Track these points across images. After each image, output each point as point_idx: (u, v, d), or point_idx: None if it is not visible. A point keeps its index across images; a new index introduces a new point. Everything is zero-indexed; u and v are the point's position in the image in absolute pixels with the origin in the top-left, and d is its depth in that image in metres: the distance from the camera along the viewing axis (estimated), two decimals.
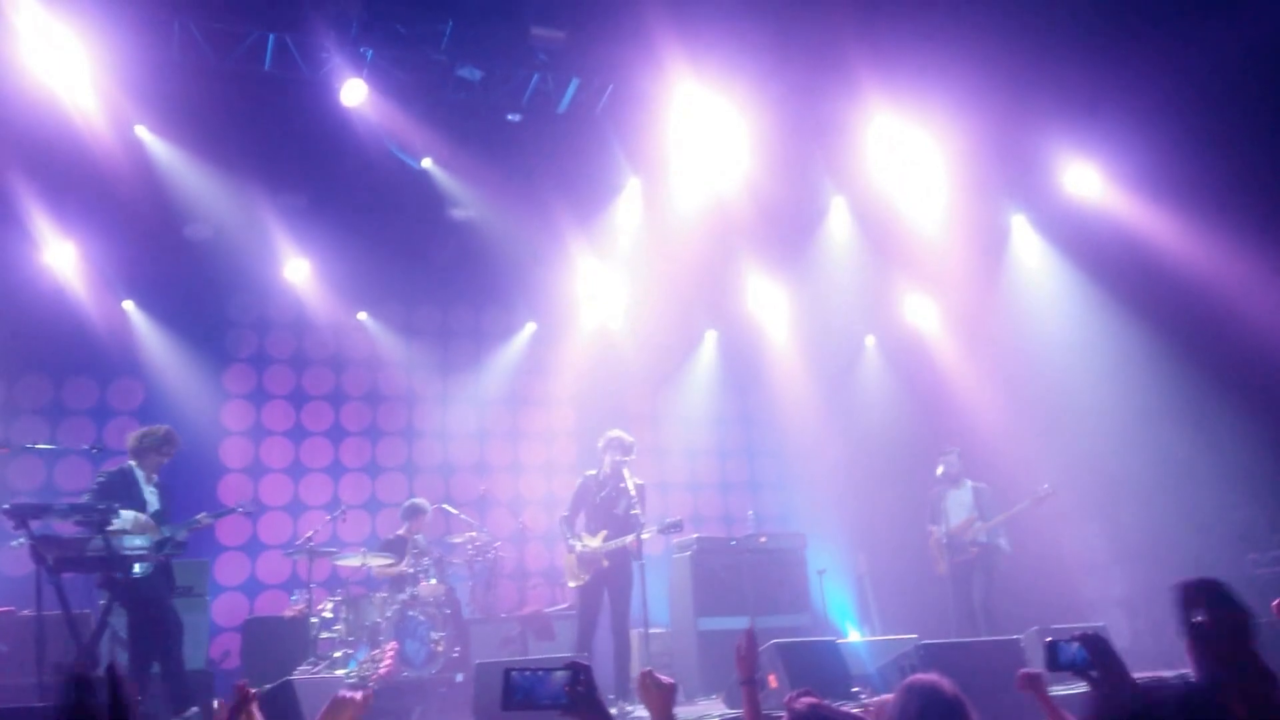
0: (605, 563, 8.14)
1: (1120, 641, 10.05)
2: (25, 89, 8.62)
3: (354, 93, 9.28)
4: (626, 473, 8.27)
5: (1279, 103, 9.01)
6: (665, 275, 12.77)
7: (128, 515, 6.95)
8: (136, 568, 6.81)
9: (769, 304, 13.06)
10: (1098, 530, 11.45)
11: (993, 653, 7.45)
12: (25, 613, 8.00)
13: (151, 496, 7.33)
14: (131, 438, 7.46)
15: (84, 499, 7.02)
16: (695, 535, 10.25)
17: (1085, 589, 11.36)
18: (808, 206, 11.78)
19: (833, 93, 10.27)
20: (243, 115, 9.64)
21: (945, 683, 3.30)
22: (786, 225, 11.86)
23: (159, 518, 7.27)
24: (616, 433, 8.53)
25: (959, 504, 9.84)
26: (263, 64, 9.10)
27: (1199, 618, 3.56)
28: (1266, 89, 9.00)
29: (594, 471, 8.50)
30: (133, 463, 7.36)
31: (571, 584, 8.37)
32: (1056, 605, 10.65)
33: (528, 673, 3.10)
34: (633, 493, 8.08)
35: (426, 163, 10.28)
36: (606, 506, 8.29)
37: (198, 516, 7.59)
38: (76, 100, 8.87)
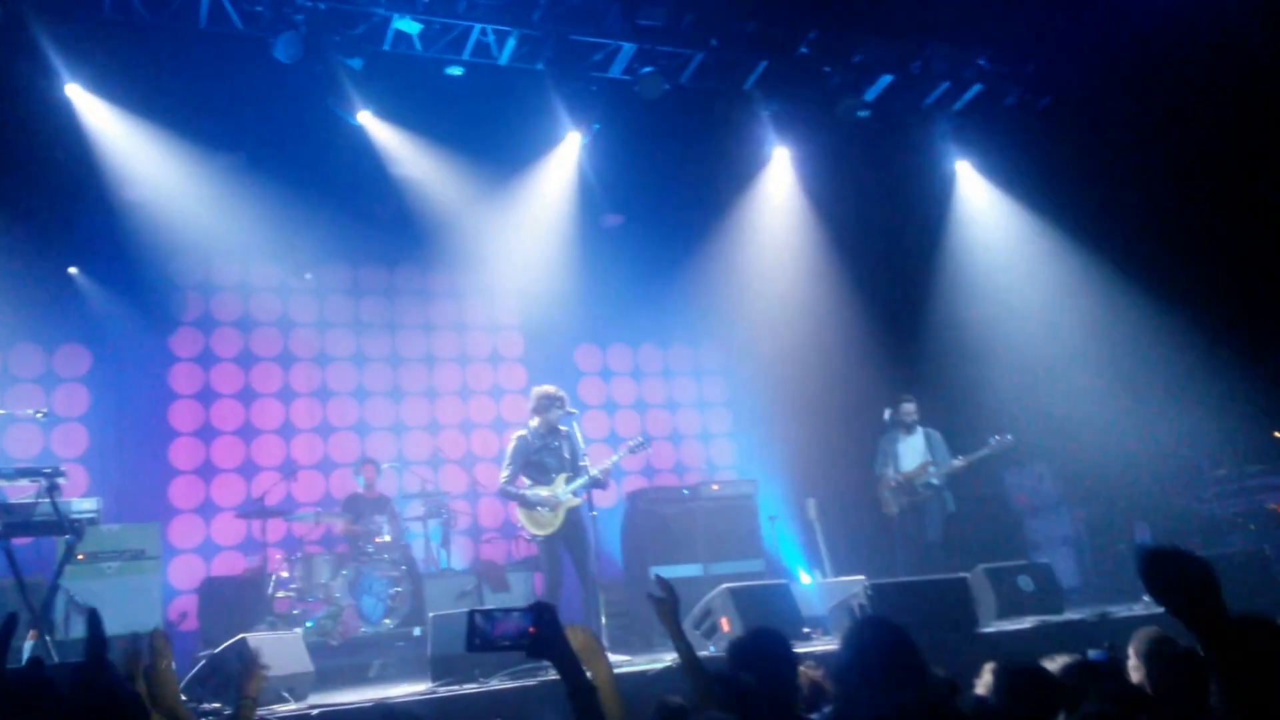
0: (575, 501, 8.21)
1: (1068, 580, 10.35)
2: None
3: (289, 47, 9.11)
4: (568, 426, 8.40)
5: None
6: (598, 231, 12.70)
7: None
8: None
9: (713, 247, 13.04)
10: (1045, 470, 11.70)
11: (940, 591, 7.67)
12: None
13: None
14: None
15: None
16: (648, 486, 10.36)
17: (1032, 529, 11.64)
18: (747, 149, 11.79)
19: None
20: (178, 74, 9.44)
21: (891, 621, 3.42)
22: (721, 167, 11.87)
23: None
24: (545, 389, 8.59)
25: (912, 449, 10.12)
26: (197, 21, 8.93)
27: None
28: None
29: (524, 432, 8.53)
30: None
31: (536, 533, 8.34)
32: (1004, 545, 10.92)
33: (490, 614, 3.11)
34: (580, 439, 8.24)
35: (363, 116, 10.14)
36: (552, 456, 8.36)
37: None
38: (6, 62, 8.64)
